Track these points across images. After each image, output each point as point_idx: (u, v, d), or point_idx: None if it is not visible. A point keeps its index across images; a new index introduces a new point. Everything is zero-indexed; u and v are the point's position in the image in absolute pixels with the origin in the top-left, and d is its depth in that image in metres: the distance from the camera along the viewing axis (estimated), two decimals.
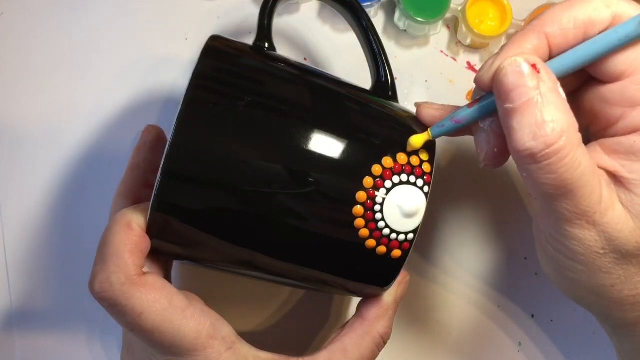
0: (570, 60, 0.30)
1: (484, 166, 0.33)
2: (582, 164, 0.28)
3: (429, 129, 0.34)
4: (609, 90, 0.31)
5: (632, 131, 0.30)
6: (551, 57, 0.31)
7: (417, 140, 0.33)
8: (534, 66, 0.28)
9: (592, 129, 0.33)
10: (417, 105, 0.36)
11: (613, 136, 0.31)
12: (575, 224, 0.30)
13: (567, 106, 0.29)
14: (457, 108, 0.34)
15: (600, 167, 0.31)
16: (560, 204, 0.29)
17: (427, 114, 0.35)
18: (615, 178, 0.31)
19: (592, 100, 0.32)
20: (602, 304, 0.34)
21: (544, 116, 0.28)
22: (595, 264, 0.31)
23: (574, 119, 0.29)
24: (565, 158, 0.28)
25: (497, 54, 0.31)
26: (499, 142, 0.32)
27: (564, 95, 0.29)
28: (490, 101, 0.31)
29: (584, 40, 0.30)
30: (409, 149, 0.33)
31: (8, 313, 0.44)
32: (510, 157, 0.32)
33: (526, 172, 0.29)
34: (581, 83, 0.33)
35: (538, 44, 0.30)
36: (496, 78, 0.29)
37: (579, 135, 0.29)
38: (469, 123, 0.33)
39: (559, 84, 0.29)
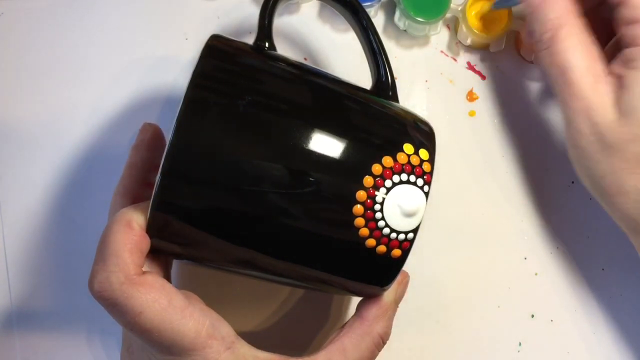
0: None
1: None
2: (576, 50, 0.37)
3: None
4: (617, 12, 0.38)
5: (629, 44, 0.37)
6: None
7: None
8: None
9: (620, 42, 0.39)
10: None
11: (624, 48, 0.38)
12: (571, 106, 0.37)
13: (568, 3, 0.38)
14: None
15: (614, 73, 0.37)
16: (561, 86, 0.38)
17: None
18: (619, 82, 0.37)
19: (614, 19, 0.39)
20: (602, 199, 0.40)
21: (547, 15, 0.38)
22: (587, 150, 0.38)
23: (574, 17, 0.38)
24: (562, 43, 0.37)
25: None
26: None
27: None
28: None
29: None
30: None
31: (8, 313, 0.44)
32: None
33: (540, 57, 0.39)
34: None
35: None
36: None
37: (579, 30, 0.37)
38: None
39: None
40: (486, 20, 0.46)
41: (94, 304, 0.33)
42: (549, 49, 0.38)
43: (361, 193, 0.32)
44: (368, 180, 0.32)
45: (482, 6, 0.46)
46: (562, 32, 0.37)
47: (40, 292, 0.45)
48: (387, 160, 0.33)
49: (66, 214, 0.45)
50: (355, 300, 0.39)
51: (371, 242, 0.33)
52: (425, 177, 0.33)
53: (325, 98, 0.34)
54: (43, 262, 0.45)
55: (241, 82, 0.33)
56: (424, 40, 0.48)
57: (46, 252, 0.45)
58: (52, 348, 0.44)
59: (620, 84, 0.37)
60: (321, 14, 0.47)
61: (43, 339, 0.44)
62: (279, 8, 0.37)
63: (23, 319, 0.44)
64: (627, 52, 0.37)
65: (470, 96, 0.47)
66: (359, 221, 0.32)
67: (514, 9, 0.45)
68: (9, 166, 0.45)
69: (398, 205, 0.33)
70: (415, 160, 0.33)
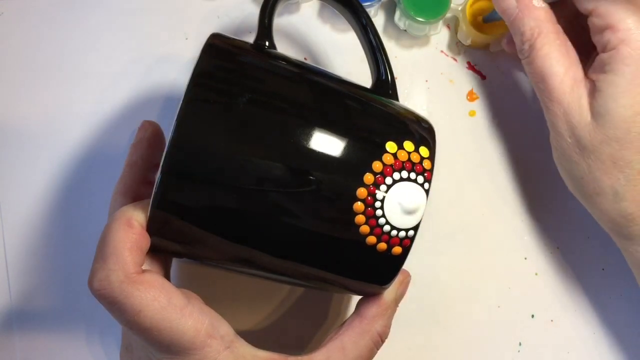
0: None
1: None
2: (553, 57, 0.39)
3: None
4: (589, 21, 0.39)
5: (601, 50, 0.39)
6: None
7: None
8: None
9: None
10: None
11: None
12: (551, 111, 0.39)
13: (546, 13, 0.39)
14: None
15: (590, 79, 0.39)
16: (541, 92, 0.40)
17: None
18: (594, 86, 0.38)
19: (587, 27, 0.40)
20: (584, 198, 0.41)
21: (524, 26, 0.39)
22: (567, 153, 0.40)
23: (551, 24, 0.39)
24: (539, 51, 0.39)
25: None
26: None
27: (542, 4, 0.39)
28: None
29: None
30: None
31: (8, 313, 0.44)
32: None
33: (524, 66, 0.41)
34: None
35: None
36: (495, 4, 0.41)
37: (555, 37, 0.39)
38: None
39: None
40: None
41: (93, 304, 0.33)
42: (529, 58, 0.40)
43: (362, 190, 0.32)
44: (368, 178, 0.32)
45: (482, 6, 0.46)
46: (539, 40, 0.39)
47: (40, 292, 0.45)
48: (388, 158, 0.33)
49: (66, 214, 0.45)
50: (355, 299, 0.39)
51: (372, 239, 0.33)
52: (425, 174, 0.33)
53: (325, 96, 0.34)
54: (43, 262, 0.45)
55: (241, 81, 0.33)
56: (424, 40, 0.48)
57: (46, 252, 0.45)
58: (52, 348, 0.44)
59: (594, 88, 0.38)
60: (321, 13, 0.47)
61: (43, 339, 0.44)
62: (279, 7, 0.37)
63: (23, 318, 0.44)
64: (600, 57, 0.39)
65: (470, 96, 0.47)
66: (360, 218, 0.32)
67: None
68: (9, 166, 0.45)
69: (399, 202, 0.33)
70: (415, 158, 0.33)
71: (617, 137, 0.38)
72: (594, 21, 0.39)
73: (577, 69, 0.39)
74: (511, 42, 0.43)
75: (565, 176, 0.42)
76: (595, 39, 0.39)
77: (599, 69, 0.39)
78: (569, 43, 0.40)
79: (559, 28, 0.39)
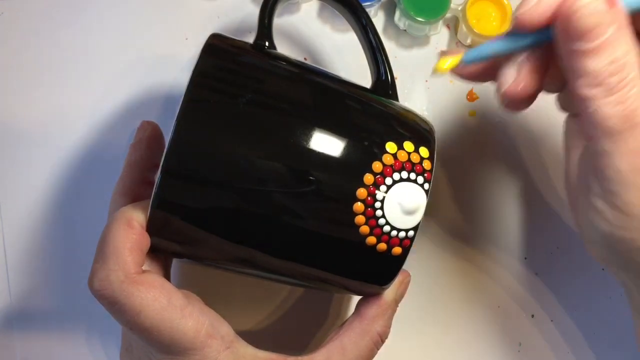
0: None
1: (504, 105, 0.32)
2: None
3: (463, 51, 0.32)
4: None
5: None
6: None
7: (443, 63, 0.32)
8: (609, 1, 0.27)
9: None
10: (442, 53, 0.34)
11: None
12: (638, 168, 0.29)
13: (632, 36, 0.28)
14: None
15: None
16: (624, 142, 0.29)
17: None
18: None
19: None
20: (628, 252, 0.32)
21: (619, 52, 0.28)
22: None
23: (636, 50, 0.28)
24: (634, 88, 0.28)
25: None
26: (529, 78, 0.31)
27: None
28: (537, 36, 0.30)
29: None
30: (435, 72, 0.32)
31: (8, 313, 0.44)
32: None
33: (594, 107, 0.29)
34: None
35: None
36: (567, 18, 0.28)
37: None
38: (507, 53, 0.31)
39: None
40: (486, 20, 0.46)
41: (93, 304, 0.33)
42: (620, 94, 0.28)
43: (361, 191, 0.32)
44: (368, 178, 0.32)
45: (482, 6, 0.46)
46: (634, 73, 0.28)
47: (40, 292, 0.45)
48: (388, 158, 0.33)
49: (66, 214, 0.45)
50: (355, 299, 0.39)
51: (371, 239, 0.33)
52: (425, 174, 0.33)
53: (325, 96, 0.34)
54: (43, 262, 0.45)
55: (241, 81, 0.33)
56: (424, 40, 0.48)
57: (46, 252, 0.45)
58: (51, 348, 0.44)
59: None
60: (321, 13, 0.47)
61: (43, 339, 0.44)
62: (279, 7, 0.37)
63: (23, 318, 0.44)
64: None
65: (471, 96, 0.47)
66: (360, 219, 0.32)
67: None
68: (9, 166, 0.45)
69: (398, 202, 0.33)
70: (415, 158, 0.33)
71: None
72: None
73: None
74: (526, 82, 0.31)
75: (625, 249, 0.31)
76: None
77: None
78: None
79: None
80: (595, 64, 0.28)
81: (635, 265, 0.33)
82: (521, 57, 0.31)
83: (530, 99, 0.32)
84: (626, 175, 0.29)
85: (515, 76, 0.31)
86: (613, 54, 0.28)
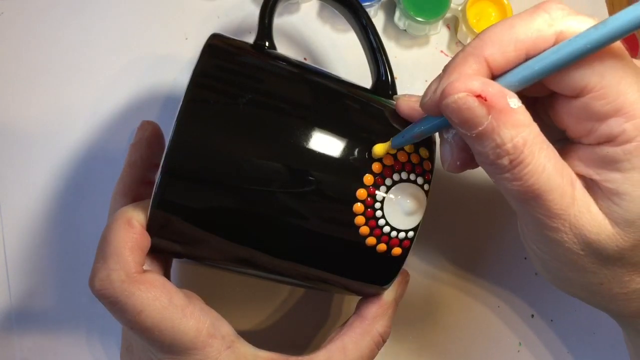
0: (517, 77, 0.29)
1: (449, 171, 0.33)
2: (546, 168, 0.29)
3: (390, 139, 0.33)
4: (574, 106, 0.30)
5: (605, 141, 0.30)
6: (493, 77, 0.30)
7: (379, 149, 0.33)
8: (479, 96, 0.28)
9: (568, 135, 0.32)
10: (396, 98, 0.35)
11: (588, 145, 0.31)
12: (551, 227, 0.30)
13: (524, 115, 0.28)
14: None
15: (578, 175, 0.31)
16: (532, 208, 0.30)
17: (406, 107, 0.34)
18: (594, 185, 0.30)
19: (562, 113, 0.31)
20: (595, 300, 0.34)
21: (502, 138, 0.28)
22: (579, 264, 0.31)
23: (532, 125, 0.29)
24: (528, 166, 0.28)
25: (439, 77, 0.31)
26: (461, 155, 0.32)
27: (518, 104, 0.28)
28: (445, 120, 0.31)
29: (526, 60, 0.29)
30: (373, 156, 0.33)
31: (8, 313, 0.44)
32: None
33: (495, 180, 0.30)
34: (547, 93, 0.32)
35: (478, 68, 0.30)
36: (444, 111, 0.29)
37: (541, 139, 0.29)
38: (428, 135, 0.32)
39: (510, 96, 0.28)
40: (486, 20, 0.46)
41: (93, 304, 0.33)
42: (512, 174, 0.29)
43: (361, 191, 0.32)
44: (368, 179, 0.32)
45: (482, 6, 0.46)
46: (527, 152, 0.28)
47: (40, 292, 0.44)
48: (388, 159, 0.33)
49: (66, 214, 0.45)
50: (355, 299, 0.39)
51: (371, 240, 0.33)
52: (425, 175, 0.33)
53: (325, 97, 0.34)
54: (43, 262, 0.45)
55: (241, 81, 0.33)
56: (424, 40, 0.48)
57: (46, 252, 0.45)
58: (51, 348, 0.44)
59: (602, 190, 0.30)
60: (321, 13, 0.47)
61: (43, 339, 0.44)
62: (279, 7, 0.37)
63: (23, 318, 0.44)
64: (604, 151, 0.30)
65: None
66: (359, 219, 0.32)
67: None
68: (9, 166, 0.45)
69: (398, 203, 0.33)
70: (415, 159, 0.33)
71: None
72: (591, 105, 0.29)
73: (569, 171, 0.30)
74: (461, 159, 0.32)
75: (571, 285, 0.34)
76: (589, 126, 0.30)
77: (606, 165, 0.30)
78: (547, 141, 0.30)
79: (537, 128, 0.29)
80: (482, 148, 0.29)
81: (585, 300, 0.35)
82: (450, 136, 0.32)
83: (470, 165, 0.32)
84: (543, 232, 0.31)
85: (451, 154, 0.32)
86: (496, 140, 0.28)
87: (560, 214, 0.29)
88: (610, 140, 0.29)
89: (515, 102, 0.28)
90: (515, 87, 0.29)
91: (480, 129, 0.28)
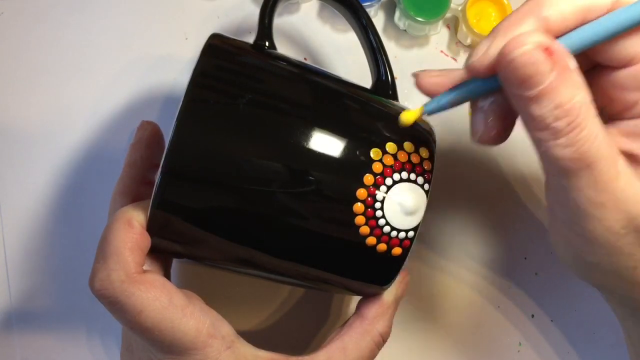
0: (578, 39, 0.29)
1: (479, 144, 0.32)
2: (599, 136, 0.28)
3: (423, 104, 0.32)
4: (622, 76, 0.30)
5: None
6: None
7: (408, 115, 0.32)
8: (546, 50, 0.27)
9: (608, 111, 0.31)
10: (416, 74, 0.34)
11: (630, 119, 0.31)
12: (596, 203, 0.29)
13: (580, 77, 0.28)
14: (457, 74, 0.32)
15: (628, 152, 0.30)
16: (579, 180, 0.29)
17: (428, 82, 0.33)
18: (633, 160, 0.30)
19: (606, 85, 0.31)
20: (623, 287, 0.33)
21: (562, 97, 0.27)
22: (617, 245, 0.30)
23: (587, 90, 0.28)
24: (583, 130, 0.28)
25: (491, 37, 0.30)
26: (498, 124, 0.31)
27: (574, 64, 0.28)
28: (489, 83, 0.30)
29: (582, 25, 0.29)
30: (400, 124, 0.33)
31: (8, 313, 0.44)
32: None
33: (545, 148, 0.29)
34: (590, 67, 0.31)
35: (537, 28, 0.29)
36: (505, 68, 0.28)
37: (593, 106, 0.28)
38: (464, 102, 0.32)
39: (570, 57, 0.28)
40: (486, 20, 0.46)
41: (93, 304, 0.33)
42: (568, 139, 0.28)
43: (361, 191, 0.32)
44: (368, 179, 0.32)
45: (482, 6, 0.46)
46: (584, 115, 0.28)
47: (40, 292, 0.45)
48: (388, 159, 0.33)
49: (66, 214, 0.45)
50: (355, 299, 0.39)
51: (371, 240, 0.33)
52: (425, 175, 0.33)
53: (325, 97, 0.34)
54: (43, 262, 0.45)
55: (241, 81, 0.33)
56: (424, 40, 0.48)
57: (46, 252, 0.45)
58: (51, 348, 0.44)
59: (636, 163, 0.30)
60: (321, 13, 0.47)
61: (43, 339, 0.44)
62: (279, 7, 0.37)
63: (23, 318, 0.44)
64: None
65: None
66: (360, 219, 0.32)
67: None
68: (9, 166, 0.45)
69: (399, 203, 0.33)
70: (415, 159, 0.33)
71: None
72: (635, 73, 0.29)
73: (613, 144, 0.29)
74: (497, 128, 0.32)
75: (592, 269, 0.33)
76: (633, 98, 0.30)
77: None
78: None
79: (589, 94, 0.29)
80: (539, 110, 0.28)
81: (609, 287, 0.34)
82: (487, 104, 0.31)
83: (504, 136, 0.32)
84: (585, 208, 0.29)
85: (485, 124, 0.32)
86: (556, 100, 0.28)
87: (607, 187, 0.29)
88: None
89: (573, 63, 0.28)
90: (573, 51, 0.29)
91: (541, 87, 0.27)
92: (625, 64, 0.29)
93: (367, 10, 0.41)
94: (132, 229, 0.32)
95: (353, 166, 0.32)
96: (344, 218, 0.32)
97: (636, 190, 0.29)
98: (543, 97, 0.28)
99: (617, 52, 0.29)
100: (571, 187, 0.29)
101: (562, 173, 0.29)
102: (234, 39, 0.35)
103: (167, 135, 0.31)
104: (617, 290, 0.34)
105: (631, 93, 0.30)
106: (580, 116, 0.28)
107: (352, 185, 0.32)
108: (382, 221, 0.33)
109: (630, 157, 0.30)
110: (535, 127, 0.29)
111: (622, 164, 0.29)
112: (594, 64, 0.31)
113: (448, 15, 0.46)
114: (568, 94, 0.27)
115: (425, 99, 0.46)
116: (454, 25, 0.48)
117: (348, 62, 0.46)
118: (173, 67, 0.46)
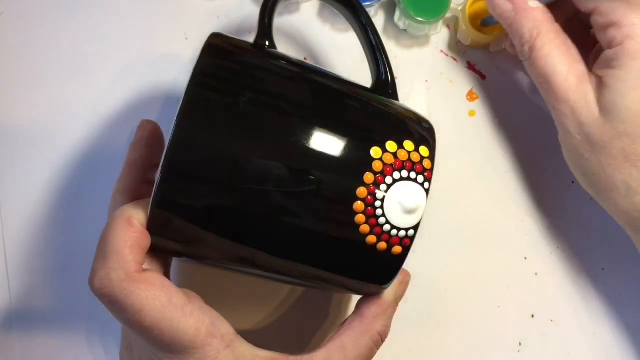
0: None
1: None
2: (554, 56, 0.39)
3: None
4: (592, 20, 0.39)
5: (607, 47, 0.39)
6: None
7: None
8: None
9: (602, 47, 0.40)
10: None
11: (602, 52, 0.39)
12: (559, 111, 0.39)
13: (544, 14, 0.40)
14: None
15: (596, 75, 0.39)
16: (546, 93, 0.40)
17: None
18: (600, 82, 0.38)
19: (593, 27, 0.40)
20: (600, 197, 0.41)
21: (522, 28, 0.40)
22: (578, 150, 0.40)
23: (551, 24, 0.39)
24: (539, 51, 0.39)
25: None
26: (512, 50, 0.44)
27: (537, 4, 0.40)
28: None
29: None
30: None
31: (8, 313, 0.44)
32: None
33: (528, 71, 0.41)
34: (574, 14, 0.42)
35: None
36: (493, 9, 0.41)
37: (556, 36, 0.39)
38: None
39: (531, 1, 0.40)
40: None
41: (93, 304, 0.33)
42: (530, 59, 0.40)
43: (362, 190, 0.32)
44: (368, 177, 0.32)
45: (482, 6, 0.46)
46: (539, 40, 0.39)
47: (40, 292, 0.45)
48: (388, 157, 0.33)
49: (66, 214, 0.45)
50: (355, 298, 0.39)
51: (372, 239, 0.33)
52: (425, 174, 0.33)
53: (325, 96, 0.34)
54: (43, 262, 0.45)
55: (241, 80, 0.33)
56: (424, 40, 0.48)
57: (46, 252, 0.45)
58: (51, 348, 0.44)
59: (601, 84, 0.38)
60: (321, 13, 0.47)
61: (43, 339, 0.44)
62: (279, 7, 0.37)
63: (23, 318, 0.44)
64: (605, 54, 0.39)
65: (471, 96, 0.47)
66: (360, 218, 0.32)
67: None
68: (9, 166, 0.45)
69: (399, 202, 0.33)
70: (415, 157, 0.33)
71: (627, 132, 0.37)
72: (596, 19, 0.39)
73: (580, 66, 0.39)
74: (513, 44, 0.42)
75: (578, 173, 0.42)
76: (599, 36, 0.39)
77: (604, 64, 0.39)
78: (569, 41, 0.40)
79: (557, 27, 0.40)
80: (513, 39, 0.41)
81: (600, 201, 0.42)
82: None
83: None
84: (556, 119, 0.40)
85: (512, 48, 0.44)
86: (518, 31, 0.40)
87: (563, 97, 0.39)
88: (608, 45, 0.39)
89: (534, 3, 0.40)
90: (545, 1, 0.40)
91: (509, 21, 0.40)
92: (590, 12, 0.39)
93: (367, 10, 0.41)
94: (132, 227, 0.32)
95: (353, 165, 0.32)
96: (344, 217, 0.32)
97: (586, 102, 0.38)
98: (511, 27, 0.40)
99: (582, 4, 0.39)
100: (546, 101, 0.40)
101: (538, 85, 0.40)
102: (234, 39, 0.35)
103: (167, 134, 0.31)
104: (599, 200, 0.41)
105: (599, 33, 0.39)
106: (537, 40, 0.39)
107: (352, 184, 0.32)
108: (382, 220, 0.33)
109: (599, 79, 0.38)
110: (515, 51, 0.41)
111: (583, 82, 0.39)
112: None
113: (448, 15, 0.46)
114: (527, 25, 0.39)
115: (422, 102, 0.47)
116: (454, 25, 0.48)
117: (348, 61, 0.47)
118: (173, 66, 0.46)
